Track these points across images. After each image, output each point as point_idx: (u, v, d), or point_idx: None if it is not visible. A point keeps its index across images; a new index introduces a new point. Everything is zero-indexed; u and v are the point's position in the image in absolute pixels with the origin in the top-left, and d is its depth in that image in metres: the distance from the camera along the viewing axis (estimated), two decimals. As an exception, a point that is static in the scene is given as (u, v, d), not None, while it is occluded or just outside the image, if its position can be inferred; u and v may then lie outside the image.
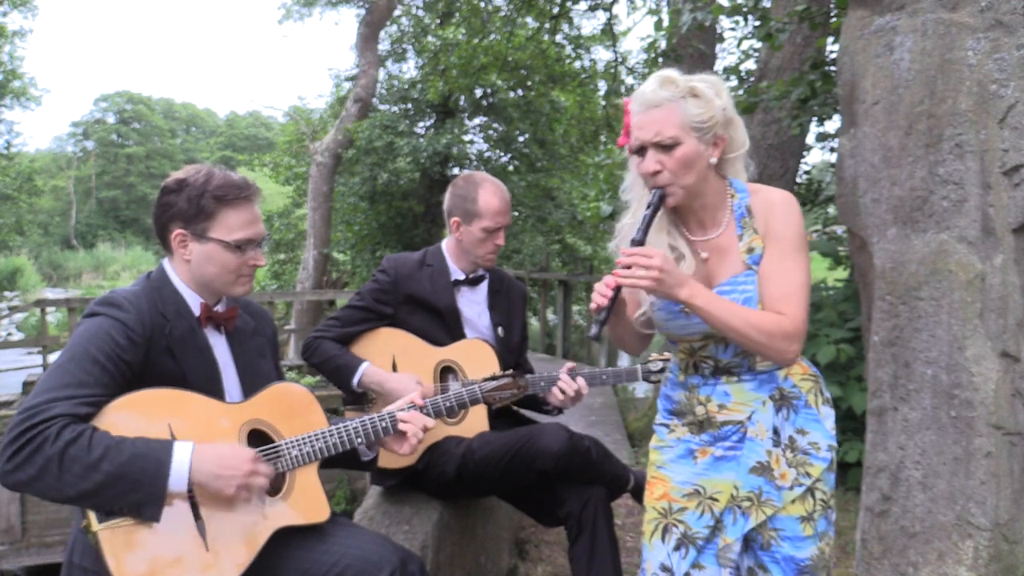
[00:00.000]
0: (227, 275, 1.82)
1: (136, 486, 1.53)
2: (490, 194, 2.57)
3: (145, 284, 1.81)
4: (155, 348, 1.71)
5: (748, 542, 1.76)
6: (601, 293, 1.63)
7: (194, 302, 1.83)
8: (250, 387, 1.86)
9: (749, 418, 1.75)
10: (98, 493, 1.51)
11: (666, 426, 1.87)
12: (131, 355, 1.66)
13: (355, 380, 2.53)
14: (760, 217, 1.73)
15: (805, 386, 1.79)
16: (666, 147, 1.65)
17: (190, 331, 1.79)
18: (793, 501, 1.73)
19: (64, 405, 1.52)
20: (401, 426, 1.92)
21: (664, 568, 1.77)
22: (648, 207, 1.68)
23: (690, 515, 1.77)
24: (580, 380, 2.50)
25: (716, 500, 1.76)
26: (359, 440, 1.89)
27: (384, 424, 1.92)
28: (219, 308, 1.88)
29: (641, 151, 1.69)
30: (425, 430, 1.94)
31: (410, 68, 16.74)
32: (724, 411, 1.76)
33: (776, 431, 1.75)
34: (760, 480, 1.73)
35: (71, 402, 1.53)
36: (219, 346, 1.87)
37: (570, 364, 2.57)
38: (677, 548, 1.77)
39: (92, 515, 1.58)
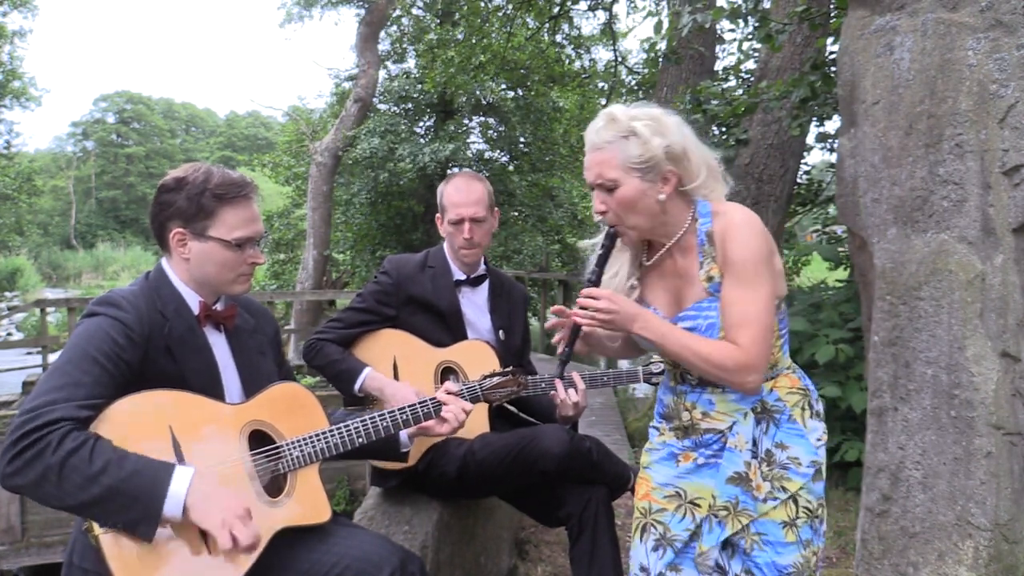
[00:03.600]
0: (227, 274, 1.81)
1: (133, 504, 1.51)
2: (453, 187, 2.60)
3: (143, 284, 1.80)
4: (154, 348, 1.71)
5: (734, 547, 1.76)
6: (556, 339, 1.75)
7: (193, 301, 1.82)
8: (251, 386, 1.86)
9: (730, 428, 1.75)
10: (95, 506, 1.50)
11: (656, 428, 1.89)
12: (130, 355, 1.65)
13: (357, 386, 2.53)
14: (718, 244, 1.70)
15: (791, 400, 1.77)
16: (608, 189, 1.69)
17: (189, 330, 1.78)
18: (775, 507, 1.73)
19: (64, 408, 1.51)
20: (444, 411, 2.00)
21: (642, 568, 1.79)
22: (601, 247, 1.74)
23: (668, 516, 1.78)
24: (572, 392, 2.48)
25: (698, 505, 1.76)
26: (360, 440, 1.89)
27: (395, 419, 1.95)
28: (218, 307, 1.88)
29: (591, 188, 1.73)
30: (465, 412, 2.03)
31: (411, 68, 16.75)
32: (707, 419, 1.77)
33: (755, 443, 1.74)
34: (737, 490, 1.73)
35: (71, 405, 1.52)
36: (219, 345, 1.86)
37: (575, 373, 2.55)
38: (655, 548, 1.78)
39: None
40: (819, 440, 1.78)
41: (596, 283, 1.73)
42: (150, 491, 1.52)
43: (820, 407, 1.83)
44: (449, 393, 2.04)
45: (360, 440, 1.89)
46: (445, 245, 2.71)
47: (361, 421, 1.90)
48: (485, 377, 2.33)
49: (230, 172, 1.83)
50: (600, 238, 1.82)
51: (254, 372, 1.89)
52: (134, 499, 1.51)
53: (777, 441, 1.75)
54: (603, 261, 1.73)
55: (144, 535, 1.55)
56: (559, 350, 1.77)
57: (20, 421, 1.49)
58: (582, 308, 1.67)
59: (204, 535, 1.63)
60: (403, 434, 2.08)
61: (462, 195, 2.57)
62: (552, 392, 2.49)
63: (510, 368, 2.39)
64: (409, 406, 1.98)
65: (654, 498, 1.81)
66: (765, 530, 1.72)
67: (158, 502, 1.53)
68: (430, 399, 2.01)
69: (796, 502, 1.73)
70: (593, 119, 1.78)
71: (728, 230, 1.69)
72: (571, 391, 2.47)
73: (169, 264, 1.83)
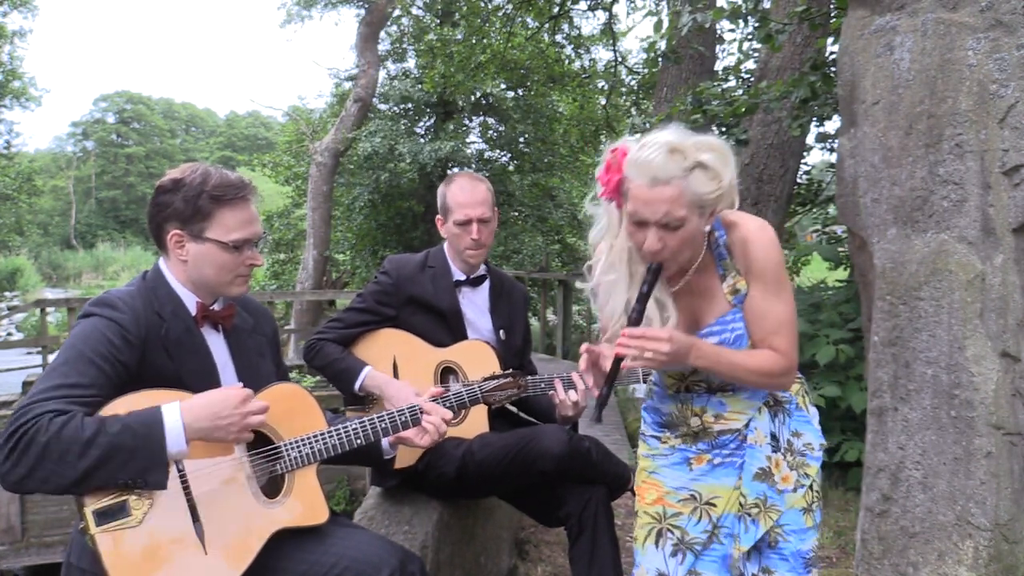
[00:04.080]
0: (225, 275, 1.81)
1: (135, 453, 1.52)
2: (458, 188, 2.58)
3: (140, 284, 1.80)
4: (151, 348, 1.70)
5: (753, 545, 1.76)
6: (591, 382, 1.67)
7: (190, 301, 1.82)
8: (249, 386, 1.84)
9: (747, 425, 1.75)
10: (99, 469, 1.50)
11: (657, 438, 1.87)
12: (127, 356, 1.65)
13: (356, 385, 2.53)
14: (739, 256, 1.70)
15: (794, 389, 1.81)
16: (673, 227, 1.57)
17: (186, 331, 1.78)
18: (801, 496, 1.75)
19: (56, 403, 1.52)
20: (425, 419, 1.94)
21: (661, 575, 1.77)
22: (644, 284, 1.63)
23: (685, 520, 1.77)
24: (572, 393, 2.47)
25: (713, 505, 1.76)
26: (359, 441, 1.89)
27: (393, 421, 1.93)
28: (216, 307, 1.87)
29: (641, 224, 1.59)
30: (446, 422, 1.97)
31: (411, 68, 16.77)
32: (721, 421, 1.77)
33: (774, 436, 1.76)
34: (763, 486, 1.74)
35: (63, 400, 1.53)
36: (217, 345, 1.85)
37: (575, 374, 2.54)
38: (674, 554, 1.77)
39: (90, 517, 1.57)
40: (818, 424, 1.84)
41: (638, 321, 1.62)
42: (148, 436, 1.54)
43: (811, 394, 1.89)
44: (433, 399, 2.00)
45: (359, 441, 1.88)
46: (446, 245, 2.71)
47: (360, 422, 1.90)
48: (485, 379, 2.32)
49: (228, 173, 1.81)
50: (595, 273, 1.74)
51: (253, 373, 1.88)
52: (135, 449, 1.52)
53: (793, 430, 1.78)
54: (646, 298, 1.63)
55: (157, 483, 1.56)
56: (596, 393, 1.67)
57: (12, 418, 1.50)
58: (624, 345, 1.57)
59: (200, 535, 1.63)
60: (385, 442, 2.04)
61: (467, 196, 2.56)
62: (551, 392, 2.49)
63: (510, 370, 2.39)
64: (408, 408, 1.97)
65: (668, 502, 1.79)
66: (787, 520, 1.74)
67: (159, 444, 1.55)
68: (407, 408, 1.97)
69: (812, 488, 1.77)
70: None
71: (748, 240, 1.68)
72: (570, 392, 2.47)
73: (166, 265, 1.83)
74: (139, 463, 1.53)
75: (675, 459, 1.81)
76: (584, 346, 1.67)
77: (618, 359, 1.59)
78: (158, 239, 1.82)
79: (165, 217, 1.78)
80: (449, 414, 1.99)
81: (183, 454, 1.59)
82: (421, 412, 1.96)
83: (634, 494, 2.69)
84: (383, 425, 1.92)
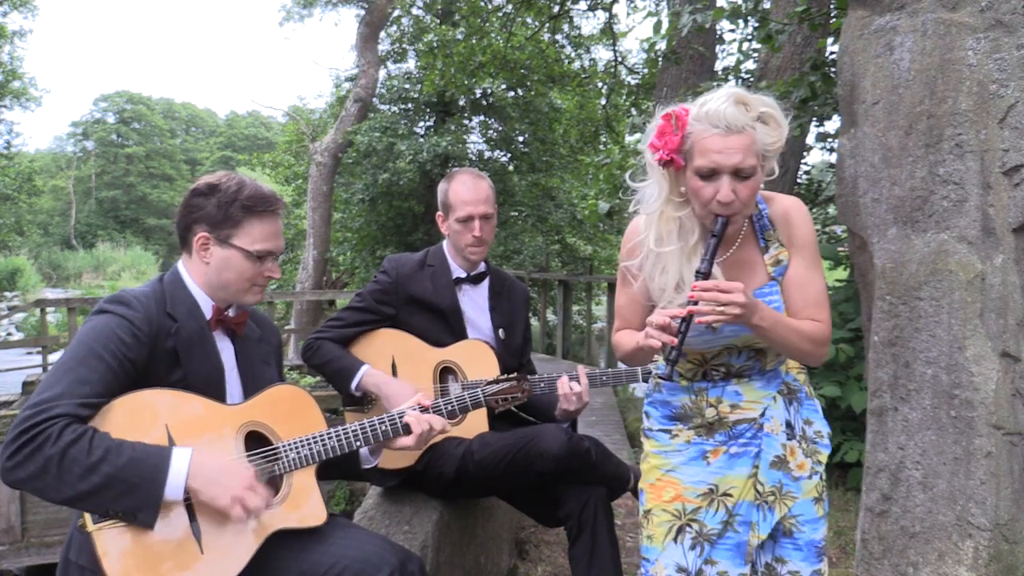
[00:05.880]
0: (242, 283, 1.84)
1: (133, 490, 1.53)
2: (459, 184, 2.59)
3: (156, 286, 1.83)
4: (159, 349, 1.72)
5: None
6: (663, 332, 1.58)
7: (206, 305, 1.85)
8: (252, 392, 1.87)
9: (762, 415, 1.76)
10: (95, 495, 1.52)
11: (667, 432, 1.85)
12: (136, 353, 1.67)
13: (354, 383, 2.52)
14: (781, 228, 1.74)
15: (802, 378, 1.84)
16: (744, 176, 1.59)
17: (199, 332, 1.80)
18: (815, 484, 1.78)
19: (66, 405, 1.53)
20: (407, 417, 1.93)
21: (680, 569, 1.77)
22: (712, 236, 1.62)
23: (703, 513, 1.78)
24: (575, 384, 2.48)
25: (729, 496, 1.77)
26: (358, 444, 1.89)
27: (394, 425, 1.93)
28: (230, 312, 1.90)
29: (711, 175, 1.59)
30: (432, 428, 1.94)
31: (411, 68, 16.78)
32: (737, 410, 1.77)
33: (789, 424, 1.78)
34: (780, 474, 1.76)
35: (73, 402, 1.54)
36: (225, 350, 1.88)
37: (581, 367, 2.55)
38: (692, 547, 1.78)
39: (88, 515, 1.58)
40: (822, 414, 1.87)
41: (708, 275, 1.62)
42: (150, 477, 1.55)
43: None
44: (420, 408, 1.98)
45: (358, 443, 1.88)
46: (446, 243, 2.71)
47: (359, 424, 1.90)
48: (489, 383, 2.32)
49: (262, 186, 1.87)
50: (644, 248, 1.72)
51: (257, 380, 1.90)
52: (134, 486, 1.53)
53: (804, 418, 1.81)
54: (715, 252, 1.63)
55: (145, 522, 1.56)
56: (667, 354, 1.61)
57: (22, 417, 1.51)
58: (697, 301, 1.56)
59: (197, 535, 1.63)
60: (365, 450, 2.02)
61: (470, 193, 2.56)
62: (554, 386, 2.48)
63: (514, 375, 2.38)
64: (395, 413, 1.96)
65: (687, 499, 1.79)
66: (801, 510, 1.76)
67: (158, 488, 1.55)
68: (397, 414, 1.94)
69: (821, 477, 1.80)
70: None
71: (790, 214, 1.74)
72: (574, 384, 2.47)
73: (186, 267, 1.86)
74: (134, 501, 1.54)
75: (692, 454, 1.80)
76: (657, 321, 1.61)
77: (690, 315, 1.58)
78: (184, 239, 1.86)
79: (196, 219, 1.82)
80: (439, 421, 1.97)
81: (176, 502, 1.59)
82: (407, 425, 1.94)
83: (634, 495, 2.69)
84: (383, 428, 1.92)
